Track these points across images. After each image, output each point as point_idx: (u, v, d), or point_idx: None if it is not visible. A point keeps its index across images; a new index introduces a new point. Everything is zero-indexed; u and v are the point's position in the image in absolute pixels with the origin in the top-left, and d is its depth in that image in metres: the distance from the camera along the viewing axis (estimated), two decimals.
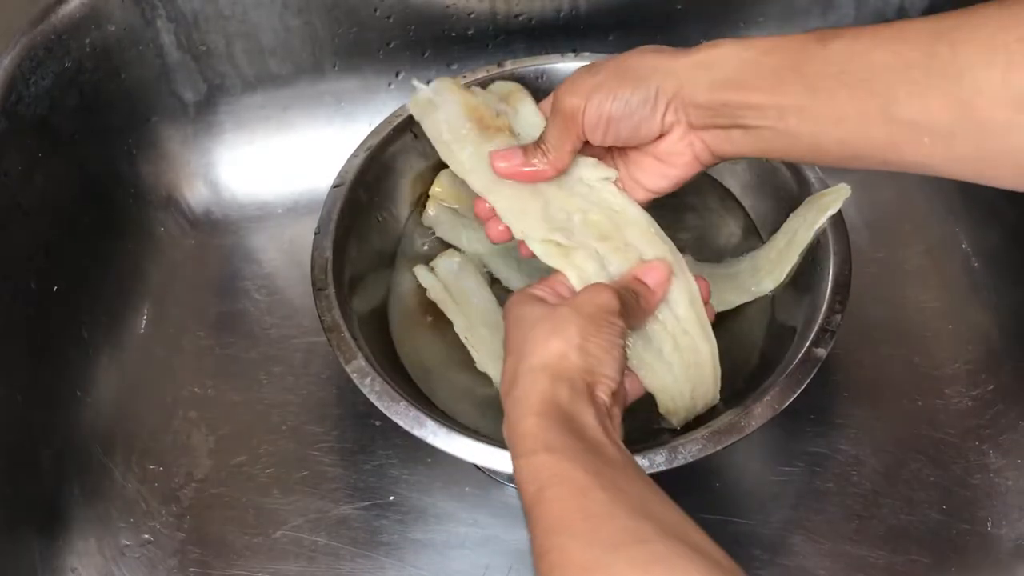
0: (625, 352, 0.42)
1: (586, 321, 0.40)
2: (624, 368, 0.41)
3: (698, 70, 0.42)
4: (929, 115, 0.35)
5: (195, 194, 0.71)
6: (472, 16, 0.67)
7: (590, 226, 0.47)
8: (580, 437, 0.36)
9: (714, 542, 0.32)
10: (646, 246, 0.47)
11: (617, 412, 0.41)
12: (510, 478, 0.56)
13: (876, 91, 0.37)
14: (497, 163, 0.48)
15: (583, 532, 0.31)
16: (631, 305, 0.44)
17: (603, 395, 0.39)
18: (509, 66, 0.61)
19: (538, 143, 0.48)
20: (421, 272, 0.59)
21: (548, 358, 0.39)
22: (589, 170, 0.48)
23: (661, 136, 0.45)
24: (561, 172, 0.48)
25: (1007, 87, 0.33)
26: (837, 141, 0.39)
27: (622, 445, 0.38)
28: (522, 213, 0.48)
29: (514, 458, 0.36)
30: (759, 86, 0.40)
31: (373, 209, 0.58)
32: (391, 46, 0.69)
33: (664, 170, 0.47)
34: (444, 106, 0.51)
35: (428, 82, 0.52)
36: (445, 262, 0.59)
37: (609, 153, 0.49)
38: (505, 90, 0.54)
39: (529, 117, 0.52)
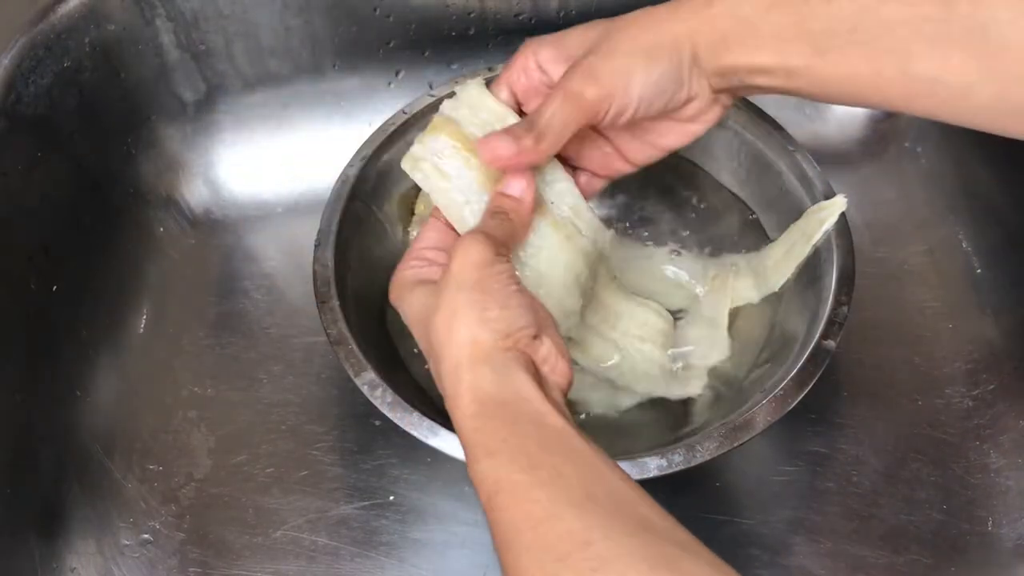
0: (524, 291, 0.38)
1: (473, 290, 0.37)
2: (532, 304, 0.38)
3: (703, 31, 0.40)
4: (948, 70, 0.34)
5: (195, 194, 0.70)
6: (472, 15, 0.67)
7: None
8: (516, 420, 0.34)
9: (665, 512, 0.31)
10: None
11: (549, 351, 0.38)
12: None
13: (890, 49, 0.35)
14: (486, 155, 0.43)
15: (531, 543, 0.31)
16: (506, 228, 0.41)
17: (528, 349, 0.37)
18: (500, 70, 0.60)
19: (531, 128, 0.42)
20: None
21: (460, 352, 0.36)
22: (560, 184, 0.48)
23: (687, 103, 0.43)
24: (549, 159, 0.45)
25: None
26: (848, 96, 0.39)
27: (563, 406, 0.36)
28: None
29: (467, 467, 0.35)
30: (762, 45, 0.38)
31: (372, 218, 0.57)
32: (391, 45, 0.68)
33: (687, 128, 0.45)
34: (455, 175, 0.46)
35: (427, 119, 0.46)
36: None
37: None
38: (490, 111, 0.48)
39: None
